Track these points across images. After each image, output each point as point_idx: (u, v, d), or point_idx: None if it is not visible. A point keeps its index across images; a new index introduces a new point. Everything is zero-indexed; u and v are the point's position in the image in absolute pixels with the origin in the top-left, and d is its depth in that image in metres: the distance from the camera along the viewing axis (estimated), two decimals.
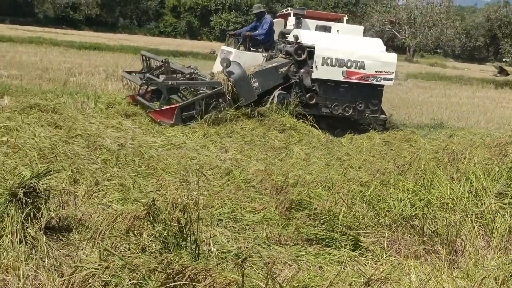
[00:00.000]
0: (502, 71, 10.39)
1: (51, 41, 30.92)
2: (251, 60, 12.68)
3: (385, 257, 4.99)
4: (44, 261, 4.37)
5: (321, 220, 5.63)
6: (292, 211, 5.92)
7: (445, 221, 5.42)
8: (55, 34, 38.85)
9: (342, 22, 14.27)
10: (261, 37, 13.16)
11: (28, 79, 15.80)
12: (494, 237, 5.20)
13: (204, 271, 3.80)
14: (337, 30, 13.62)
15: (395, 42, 66.84)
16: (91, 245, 4.56)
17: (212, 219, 5.57)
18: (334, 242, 5.33)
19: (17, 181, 4.87)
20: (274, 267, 4.50)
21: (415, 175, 6.84)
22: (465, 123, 16.09)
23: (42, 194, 4.89)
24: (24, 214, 4.64)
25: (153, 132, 10.00)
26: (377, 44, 13.15)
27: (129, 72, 13.35)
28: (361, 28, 14.30)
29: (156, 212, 4.50)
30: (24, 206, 4.69)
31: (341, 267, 4.82)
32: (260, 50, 13.25)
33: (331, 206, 5.78)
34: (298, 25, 13.28)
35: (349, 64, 12.31)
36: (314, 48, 12.25)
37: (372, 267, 4.77)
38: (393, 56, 12.97)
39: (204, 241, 4.79)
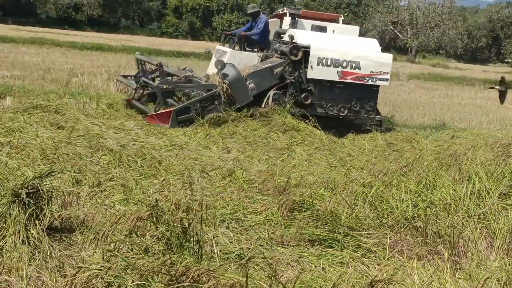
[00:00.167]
0: (503, 83, 10.29)
1: (53, 41, 30.99)
2: (246, 60, 12.66)
3: (388, 258, 4.99)
4: (47, 262, 4.37)
5: (324, 221, 5.62)
6: (294, 212, 5.91)
7: (447, 222, 5.42)
8: (57, 34, 38.92)
9: (338, 22, 14.24)
10: (256, 36, 13.13)
11: (31, 80, 15.82)
12: (496, 238, 5.19)
13: (207, 272, 3.80)
14: (333, 30, 13.58)
15: (397, 43, 66.97)
16: (94, 246, 4.56)
17: (215, 220, 5.57)
18: (336, 243, 5.33)
19: (20, 181, 4.87)
20: (277, 267, 4.50)
21: (418, 176, 6.84)
22: (467, 124, 16.08)
23: (45, 195, 4.89)
24: (26, 214, 4.64)
25: (155, 133, 10.00)
26: (373, 44, 13.11)
27: (125, 76, 13.35)
28: (356, 28, 14.26)
29: (159, 213, 4.50)
30: (26, 206, 4.68)
31: (343, 268, 4.81)
32: (256, 50, 13.22)
33: (334, 207, 5.77)
34: (293, 25, 13.26)
35: (344, 64, 12.27)
36: (309, 48, 12.21)
37: (375, 268, 4.76)
38: (388, 57, 12.94)
39: (206, 242, 4.78)
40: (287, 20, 13.68)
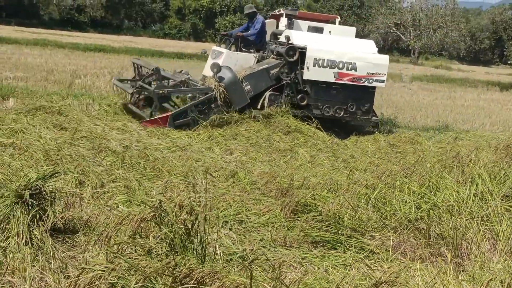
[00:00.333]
0: None
1: (56, 43, 31.03)
2: (243, 61, 12.64)
3: (391, 260, 4.98)
4: (50, 263, 4.37)
5: (327, 223, 5.62)
6: (297, 213, 5.91)
7: (450, 224, 5.41)
8: (60, 36, 38.95)
9: (335, 24, 14.21)
10: (252, 37, 13.12)
11: (34, 81, 15.84)
12: (500, 240, 5.19)
13: (211, 274, 3.80)
14: (329, 31, 13.56)
15: (400, 45, 66.99)
16: (97, 247, 4.56)
17: (218, 221, 5.57)
18: (339, 244, 5.33)
19: (23, 183, 4.87)
20: (280, 269, 4.49)
21: (421, 177, 6.83)
22: (470, 125, 16.07)
23: (48, 196, 4.89)
24: (30, 216, 4.64)
25: (158, 134, 10.01)
26: (369, 45, 13.08)
27: (121, 80, 13.34)
28: (353, 29, 14.22)
29: (162, 214, 4.50)
30: (30, 208, 4.69)
31: (347, 270, 4.81)
32: (252, 50, 13.20)
33: (337, 209, 5.77)
34: (290, 26, 13.23)
35: (340, 66, 12.25)
36: (305, 49, 12.19)
37: (378, 269, 4.76)
38: (385, 58, 12.91)
39: (209, 243, 4.78)
40: (283, 21, 13.66)
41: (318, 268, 4.85)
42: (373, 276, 4.40)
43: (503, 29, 74.50)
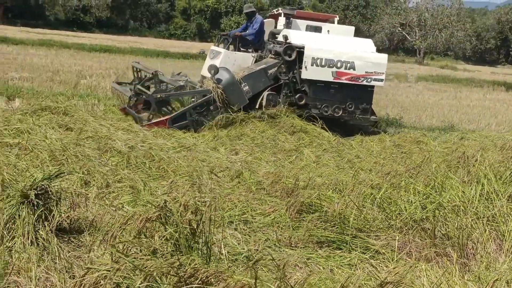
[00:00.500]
0: None
1: (62, 43, 31.12)
2: (241, 61, 12.62)
3: (396, 260, 4.98)
4: (56, 263, 4.38)
5: (332, 223, 5.62)
6: (302, 213, 5.91)
7: (456, 224, 5.40)
8: (65, 36, 39.04)
9: (333, 23, 14.16)
10: (250, 37, 13.10)
11: (39, 82, 15.89)
12: (506, 240, 5.18)
13: (216, 274, 3.79)
14: (328, 31, 13.51)
15: (406, 45, 66.95)
16: (102, 247, 4.56)
17: (223, 221, 5.57)
18: (344, 244, 5.32)
19: (29, 183, 4.88)
20: (285, 269, 4.49)
21: (426, 177, 6.82)
22: (476, 125, 16.03)
23: (54, 196, 4.90)
24: (35, 216, 4.66)
25: (163, 134, 10.02)
26: (368, 44, 13.02)
27: (119, 83, 13.34)
28: (351, 28, 14.16)
29: (167, 214, 4.50)
30: (35, 208, 4.70)
31: (352, 270, 4.81)
32: (250, 50, 13.17)
33: (342, 209, 5.76)
34: (288, 25, 13.20)
35: (338, 65, 12.20)
36: (303, 48, 12.14)
37: (384, 270, 4.75)
38: (383, 57, 12.83)
39: (215, 243, 4.79)
40: (282, 20, 13.61)
41: (323, 268, 4.85)
42: (378, 277, 4.39)
43: (509, 29, 74.40)
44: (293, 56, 12.12)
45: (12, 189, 4.98)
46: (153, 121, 10.80)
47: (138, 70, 13.09)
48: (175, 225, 4.42)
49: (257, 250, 5.07)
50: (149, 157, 7.82)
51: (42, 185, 4.85)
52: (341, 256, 5.13)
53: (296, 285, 4.04)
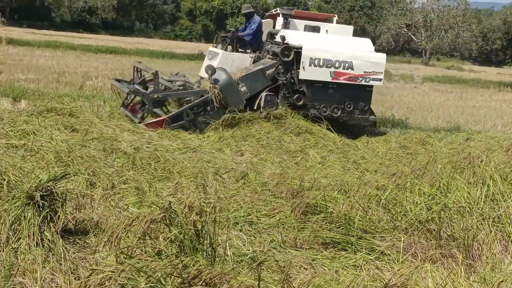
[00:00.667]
0: None
1: (68, 45, 31.18)
2: (239, 61, 12.59)
3: (402, 261, 4.97)
4: (61, 264, 4.39)
5: (337, 224, 5.61)
6: (307, 214, 5.90)
7: (462, 225, 5.39)
8: (71, 38, 39.14)
9: (332, 22, 14.12)
10: (248, 37, 13.08)
11: (45, 83, 15.93)
12: (511, 241, 5.16)
13: (219, 275, 3.79)
14: (326, 30, 13.46)
15: (411, 45, 66.84)
16: (107, 248, 4.57)
17: (228, 223, 5.57)
18: (350, 246, 5.32)
19: (34, 184, 4.89)
20: (289, 271, 4.49)
21: (432, 178, 6.80)
22: (482, 126, 15.99)
23: (59, 197, 4.91)
24: (41, 217, 4.67)
25: (168, 135, 10.03)
26: (366, 44, 12.96)
27: (118, 80, 13.35)
28: (350, 28, 14.10)
29: (172, 215, 4.50)
30: (41, 209, 4.71)
31: (357, 271, 4.80)
32: (248, 51, 13.15)
33: (347, 210, 5.75)
34: (286, 25, 13.13)
35: (337, 65, 12.15)
36: (301, 48, 12.11)
37: (389, 271, 4.74)
38: (381, 56, 12.80)
39: (219, 244, 4.79)
40: (280, 20, 13.56)
41: (329, 269, 4.85)
42: (382, 278, 4.38)
43: None
44: (291, 57, 12.09)
45: (18, 191, 4.99)
46: (149, 121, 10.79)
47: (139, 70, 13.12)
48: (180, 227, 4.42)
49: (262, 251, 5.07)
50: (155, 158, 7.82)
51: (48, 186, 4.86)
52: (346, 257, 5.12)
53: (300, 287, 4.04)
